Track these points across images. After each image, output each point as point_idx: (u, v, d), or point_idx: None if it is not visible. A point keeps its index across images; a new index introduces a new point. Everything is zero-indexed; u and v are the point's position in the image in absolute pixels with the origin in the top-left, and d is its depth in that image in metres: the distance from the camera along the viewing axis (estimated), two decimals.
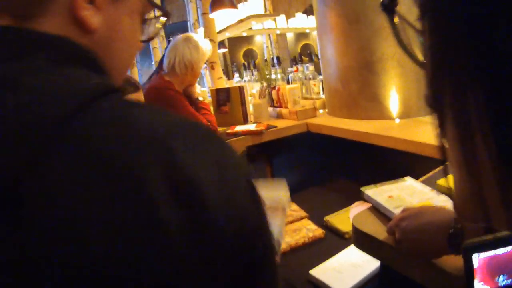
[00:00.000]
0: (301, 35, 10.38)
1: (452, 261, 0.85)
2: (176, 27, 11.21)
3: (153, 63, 7.70)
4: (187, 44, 2.69)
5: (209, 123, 2.64)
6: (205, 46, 2.75)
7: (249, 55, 10.58)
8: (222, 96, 3.10)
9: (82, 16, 0.54)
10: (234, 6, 3.75)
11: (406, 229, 0.91)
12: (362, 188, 1.29)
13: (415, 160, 1.92)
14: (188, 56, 2.65)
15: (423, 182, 1.34)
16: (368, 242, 1.07)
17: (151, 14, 0.71)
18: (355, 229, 1.12)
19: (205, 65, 3.12)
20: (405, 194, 1.19)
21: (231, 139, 2.66)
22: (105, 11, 0.57)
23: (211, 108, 3.10)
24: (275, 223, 0.94)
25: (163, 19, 0.73)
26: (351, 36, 2.49)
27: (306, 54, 4.46)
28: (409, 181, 1.31)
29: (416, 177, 1.41)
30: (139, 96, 2.05)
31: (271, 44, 9.23)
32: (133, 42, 0.65)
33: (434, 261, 0.89)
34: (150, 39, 0.73)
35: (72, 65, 0.50)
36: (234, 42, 10.13)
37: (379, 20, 2.37)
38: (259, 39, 10.49)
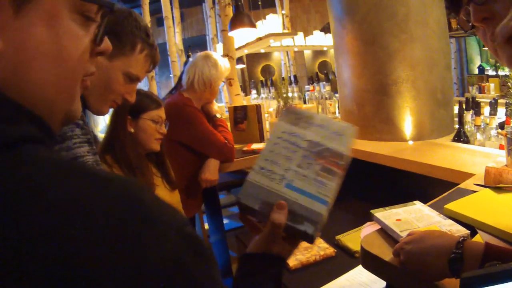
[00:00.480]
0: (318, 52, 10.43)
1: (454, 283, 0.90)
2: (195, 41, 11.35)
3: (171, 75, 7.79)
4: (206, 62, 2.75)
5: (226, 141, 2.69)
6: (224, 64, 2.81)
7: (267, 71, 10.65)
8: (239, 114, 3.16)
9: None
10: (253, 25, 3.82)
11: (410, 252, 0.96)
12: (372, 211, 1.33)
13: (427, 182, 1.95)
14: (207, 73, 2.71)
15: (432, 205, 1.38)
16: (375, 262, 1.12)
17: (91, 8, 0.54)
18: (363, 250, 1.17)
19: (223, 83, 3.18)
20: (413, 218, 1.24)
21: (248, 157, 2.72)
22: (8, 28, 0.45)
23: (228, 125, 3.16)
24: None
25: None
26: (367, 59, 2.55)
27: (323, 72, 4.51)
28: (417, 205, 1.36)
29: (427, 199, 1.46)
30: (160, 112, 2.12)
31: (288, 61, 9.28)
32: (63, 56, 0.50)
33: (437, 283, 0.94)
34: (100, 39, 0.58)
35: None
36: (252, 58, 10.23)
37: (394, 43, 2.42)
38: (277, 55, 10.57)
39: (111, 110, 2.13)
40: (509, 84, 1.57)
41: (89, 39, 0.55)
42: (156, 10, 8.58)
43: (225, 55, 4.18)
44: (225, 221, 3.21)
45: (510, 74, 1.57)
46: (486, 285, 0.66)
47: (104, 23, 0.57)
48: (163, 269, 0.40)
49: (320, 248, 1.92)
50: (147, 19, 7.22)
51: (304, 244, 1.96)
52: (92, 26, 0.55)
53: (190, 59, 2.88)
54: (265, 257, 0.93)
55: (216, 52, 6.76)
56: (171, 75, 7.82)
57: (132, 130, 2.04)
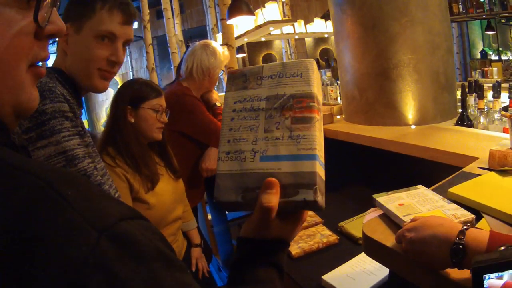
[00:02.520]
0: (320, 39, 10.38)
1: (457, 272, 0.87)
2: (195, 32, 11.30)
3: (172, 67, 7.76)
4: (205, 50, 2.72)
5: None
6: (223, 52, 2.78)
7: (268, 59, 10.59)
8: None
9: None
10: (251, 13, 3.77)
11: (411, 240, 0.93)
12: (374, 196, 1.31)
13: (431, 167, 1.93)
14: (205, 62, 2.68)
15: (435, 189, 1.35)
16: (377, 249, 1.09)
17: None
18: (365, 236, 1.14)
19: (222, 71, 3.14)
20: (416, 202, 1.20)
21: None
22: None
23: None
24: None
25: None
26: (367, 43, 2.51)
27: (324, 59, 4.47)
28: (420, 189, 1.33)
29: (431, 183, 1.43)
30: (160, 101, 2.09)
31: (290, 49, 9.23)
32: (3, 43, 0.48)
33: (440, 271, 0.91)
34: (44, 23, 0.53)
35: None
36: (253, 47, 10.18)
37: (395, 27, 2.38)
38: (278, 44, 10.51)
39: (110, 100, 2.11)
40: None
41: (28, 22, 0.51)
42: (155, 2, 8.52)
43: (225, 44, 4.13)
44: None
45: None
46: (502, 270, 0.63)
47: (42, 2, 0.52)
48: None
49: (323, 236, 1.90)
50: (146, 11, 7.17)
51: (307, 231, 1.95)
52: (31, 8, 0.51)
53: (189, 48, 2.84)
54: (262, 243, 0.81)
55: (217, 42, 6.76)
56: (171, 67, 7.79)
57: (133, 120, 2.02)
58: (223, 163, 0.83)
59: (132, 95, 2.03)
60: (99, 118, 12.89)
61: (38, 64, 0.54)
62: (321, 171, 0.80)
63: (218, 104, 2.85)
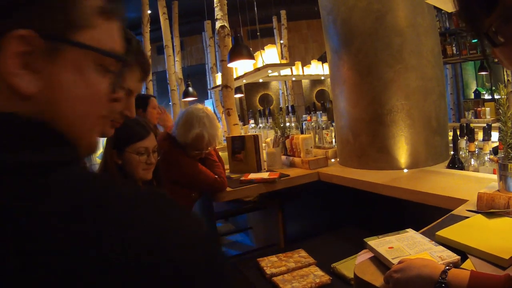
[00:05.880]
0: (316, 81, 10.56)
1: None
2: (194, 70, 11.46)
3: (170, 103, 7.87)
4: (211, 122, 2.71)
5: (216, 176, 2.68)
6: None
7: (265, 100, 10.75)
8: (237, 144, 3.19)
9: (14, 84, 0.52)
10: (251, 57, 3.89)
11: (398, 280, 1.01)
12: (365, 239, 1.37)
13: (422, 209, 1.98)
14: (214, 136, 2.70)
15: (424, 232, 1.41)
16: None
17: (110, 62, 0.64)
18: (356, 277, 1.20)
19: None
20: (405, 245, 1.27)
21: (245, 187, 2.74)
22: (44, 72, 0.54)
23: (226, 154, 3.19)
24: None
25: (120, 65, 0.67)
26: (362, 89, 2.60)
27: (320, 101, 4.56)
28: (410, 232, 1.39)
29: (422, 225, 1.49)
30: (146, 143, 2.04)
31: (286, 90, 9.38)
32: (86, 95, 0.60)
33: None
34: (113, 88, 0.66)
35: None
36: (251, 87, 10.34)
37: (389, 73, 2.48)
38: (275, 85, 10.68)
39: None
40: (500, 110, 1.61)
41: (107, 85, 0.63)
42: (156, 38, 8.70)
43: (224, 85, 4.24)
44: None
45: (500, 100, 1.61)
46: None
47: (120, 74, 0.67)
48: None
49: (316, 276, 1.93)
50: (147, 47, 7.33)
51: (300, 272, 1.99)
52: (109, 75, 0.64)
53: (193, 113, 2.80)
54: None
55: (216, 81, 6.86)
56: (170, 103, 7.90)
57: (120, 162, 2.02)
58: None
59: (116, 138, 2.02)
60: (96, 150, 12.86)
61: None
62: None
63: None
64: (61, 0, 0.55)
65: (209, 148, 2.76)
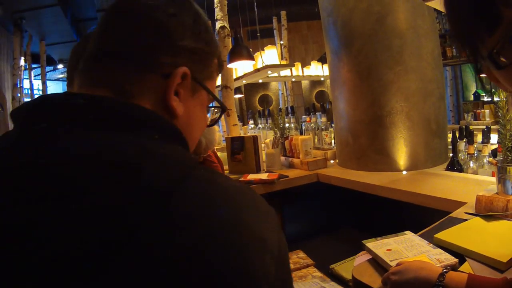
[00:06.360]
0: (316, 82, 10.54)
1: None
2: None
3: None
4: (210, 130, 2.67)
5: None
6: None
7: (265, 100, 10.74)
8: (236, 145, 3.18)
9: (172, 105, 0.69)
10: (251, 58, 3.89)
11: (396, 283, 1.02)
12: (363, 241, 1.37)
13: (421, 211, 1.98)
14: (212, 141, 2.64)
15: (423, 234, 1.41)
16: None
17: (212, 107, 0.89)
18: (354, 279, 1.20)
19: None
20: (403, 248, 1.27)
21: None
22: (186, 102, 0.72)
23: (225, 155, 3.19)
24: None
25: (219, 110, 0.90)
26: (362, 91, 2.60)
27: (320, 102, 4.56)
28: (408, 234, 1.39)
29: (420, 227, 1.49)
30: None
31: (286, 91, 9.37)
32: (201, 126, 0.81)
33: None
34: (213, 124, 0.92)
35: (172, 141, 0.65)
36: (250, 88, 10.33)
37: (389, 75, 2.48)
38: (274, 85, 10.67)
39: None
40: (499, 113, 1.61)
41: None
42: None
43: (224, 86, 4.24)
44: None
45: (499, 103, 1.61)
46: None
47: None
48: None
49: (314, 277, 1.94)
50: None
51: (298, 273, 1.99)
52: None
53: None
54: None
55: (216, 81, 6.83)
56: None
57: None
58: None
59: None
60: None
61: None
62: None
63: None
64: (207, 57, 0.77)
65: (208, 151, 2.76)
